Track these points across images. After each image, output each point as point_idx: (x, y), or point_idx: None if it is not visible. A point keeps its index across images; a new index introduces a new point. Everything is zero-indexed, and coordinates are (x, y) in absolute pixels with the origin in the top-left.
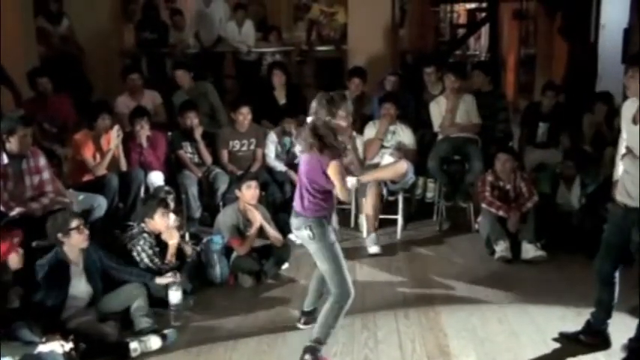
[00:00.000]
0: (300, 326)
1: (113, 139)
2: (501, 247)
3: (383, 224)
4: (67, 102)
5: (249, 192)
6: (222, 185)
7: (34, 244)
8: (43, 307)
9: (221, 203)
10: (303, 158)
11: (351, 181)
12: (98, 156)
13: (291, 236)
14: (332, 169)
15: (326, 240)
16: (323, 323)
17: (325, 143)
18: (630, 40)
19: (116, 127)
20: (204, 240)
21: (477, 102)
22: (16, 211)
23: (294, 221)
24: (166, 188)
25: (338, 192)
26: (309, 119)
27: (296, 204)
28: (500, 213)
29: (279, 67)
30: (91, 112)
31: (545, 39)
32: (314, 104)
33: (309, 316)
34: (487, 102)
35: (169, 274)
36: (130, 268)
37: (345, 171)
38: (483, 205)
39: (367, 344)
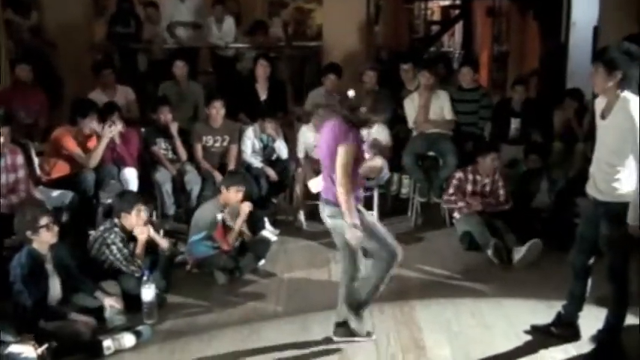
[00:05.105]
0: (334, 338)
1: (108, 131)
2: (491, 252)
3: None
4: (42, 95)
5: (237, 195)
6: (196, 186)
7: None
8: (21, 306)
9: (196, 204)
10: (322, 137)
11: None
12: (80, 151)
13: (265, 232)
14: (342, 151)
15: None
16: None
17: (352, 119)
18: (599, 38)
19: (119, 122)
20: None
21: (462, 97)
22: None
23: (326, 209)
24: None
25: (337, 177)
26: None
27: (325, 192)
28: (460, 205)
29: (265, 58)
30: (78, 110)
31: (517, 36)
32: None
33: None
34: (472, 98)
35: (112, 298)
36: (84, 279)
37: None
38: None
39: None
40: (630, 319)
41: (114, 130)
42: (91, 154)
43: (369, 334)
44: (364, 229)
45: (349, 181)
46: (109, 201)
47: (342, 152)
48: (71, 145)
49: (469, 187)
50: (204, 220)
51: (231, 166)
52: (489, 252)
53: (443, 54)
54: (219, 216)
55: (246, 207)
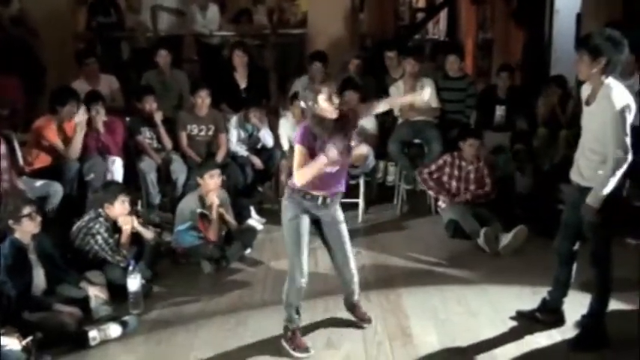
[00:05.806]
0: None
1: (79, 119)
2: (482, 240)
3: (344, 208)
4: (14, 84)
5: (212, 181)
6: (181, 175)
7: None
8: (4, 297)
9: (181, 193)
10: None
11: None
12: (60, 142)
13: (251, 221)
14: (295, 150)
15: (285, 219)
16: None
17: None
18: (582, 25)
19: (83, 108)
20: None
21: (448, 86)
22: None
23: None
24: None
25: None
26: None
27: None
28: (431, 193)
29: (240, 47)
30: (57, 98)
31: (501, 23)
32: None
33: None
34: (458, 86)
35: (98, 288)
36: (68, 269)
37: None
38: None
39: (329, 327)
40: (614, 305)
41: (85, 115)
42: (70, 144)
43: (306, 350)
44: (288, 232)
45: (303, 179)
46: (92, 176)
47: (295, 151)
48: (52, 135)
49: (455, 172)
50: (186, 211)
51: (220, 155)
52: (480, 240)
53: (443, 42)
54: (198, 211)
55: (215, 198)
